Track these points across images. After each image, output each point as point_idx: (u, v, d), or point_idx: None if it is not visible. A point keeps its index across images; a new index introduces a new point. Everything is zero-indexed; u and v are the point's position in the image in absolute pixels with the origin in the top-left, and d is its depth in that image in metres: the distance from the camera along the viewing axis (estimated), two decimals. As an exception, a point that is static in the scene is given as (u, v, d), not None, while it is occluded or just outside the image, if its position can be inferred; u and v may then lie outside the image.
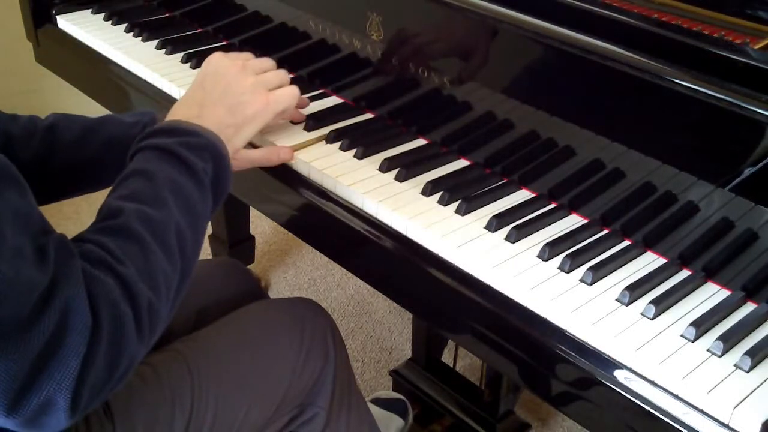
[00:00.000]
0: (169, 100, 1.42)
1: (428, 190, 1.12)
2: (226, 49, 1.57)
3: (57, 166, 1.10)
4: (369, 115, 1.33)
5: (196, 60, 1.49)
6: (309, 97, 1.36)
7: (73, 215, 2.53)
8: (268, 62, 1.08)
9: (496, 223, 1.06)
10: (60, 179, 1.11)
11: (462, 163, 1.21)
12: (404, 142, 1.25)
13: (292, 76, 1.44)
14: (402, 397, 1.79)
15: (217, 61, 1.04)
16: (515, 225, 1.05)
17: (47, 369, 0.68)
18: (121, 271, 0.77)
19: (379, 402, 1.76)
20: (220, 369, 1.11)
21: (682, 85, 0.93)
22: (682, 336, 0.89)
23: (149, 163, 0.89)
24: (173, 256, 0.84)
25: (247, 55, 1.06)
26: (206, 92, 1.00)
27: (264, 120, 1.02)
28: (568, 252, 1.01)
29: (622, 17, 1.04)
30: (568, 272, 0.99)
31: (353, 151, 1.21)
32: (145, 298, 0.78)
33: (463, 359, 1.98)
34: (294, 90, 1.04)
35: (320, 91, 1.40)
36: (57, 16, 1.69)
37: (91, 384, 0.72)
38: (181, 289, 0.86)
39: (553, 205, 1.11)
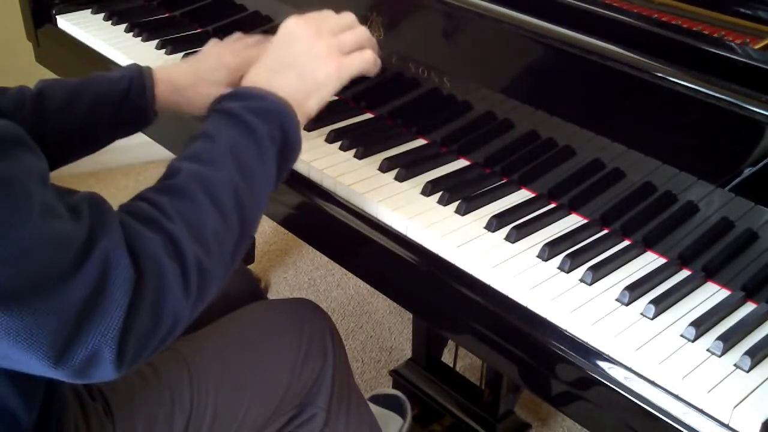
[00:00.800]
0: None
1: (428, 190, 1.12)
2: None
3: (50, 132, 1.09)
4: (369, 115, 1.33)
5: (196, 60, 1.48)
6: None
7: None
8: (346, 19, 1.03)
9: (496, 223, 1.06)
10: (56, 145, 1.10)
11: (462, 163, 1.21)
12: (404, 142, 1.25)
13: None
14: (400, 394, 1.79)
15: (291, 24, 1.00)
16: (515, 225, 1.05)
17: (91, 321, 0.69)
18: (170, 227, 0.77)
19: (377, 400, 1.76)
20: (220, 369, 1.11)
21: (682, 85, 0.93)
22: (681, 336, 0.89)
23: (213, 125, 0.89)
24: (228, 217, 0.83)
25: (325, 14, 1.03)
26: (278, 58, 0.99)
27: (336, 85, 0.99)
28: (568, 252, 1.01)
29: (622, 17, 1.04)
30: (568, 272, 0.99)
31: (353, 150, 1.21)
32: (194, 255, 0.78)
33: (463, 359, 1.98)
34: (366, 55, 1.01)
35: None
36: (57, 16, 1.69)
37: (137, 336, 0.72)
38: (239, 250, 0.86)
39: (552, 205, 1.11)
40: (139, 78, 1.13)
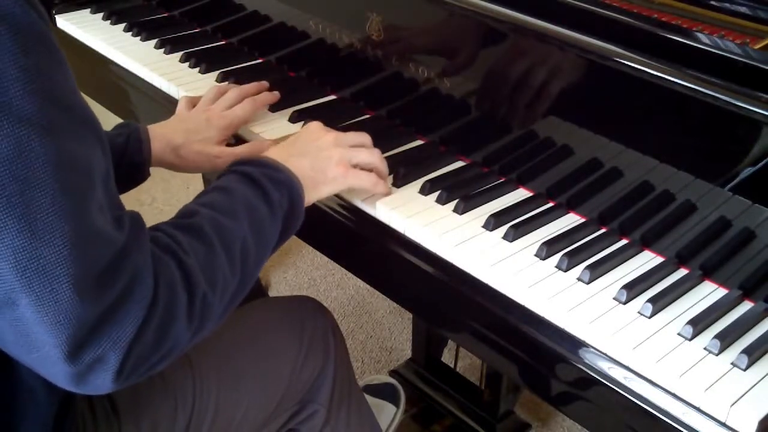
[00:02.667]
0: (167, 99, 1.43)
1: (426, 189, 1.12)
2: (225, 47, 1.58)
3: None
4: (368, 115, 1.33)
5: (194, 59, 1.49)
6: (309, 97, 1.37)
7: (147, 202, 2.61)
8: (362, 138, 1.13)
9: (494, 222, 1.06)
10: None
11: (460, 162, 1.21)
12: (403, 142, 1.25)
13: (290, 75, 1.45)
14: (392, 380, 1.79)
15: (314, 126, 1.12)
16: (513, 224, 1.05)
17: (109, 326, 0.72)
18: (185, 260, 0.82)
19: (369, 389, 1.77)
20: (221, 366, 1.12)
21: (682, 84, 0.93)
22: (679, 334, 0.89)
23: (232, 182, 0.97)
24: (235, 265, 0.89)
25: (344, 132, 1.13)
26: (297, 147, 1.08)
27: (340, 187, 1.08)
28: (565, 251, 1.01)
29: (621, 17, 1.04)
30: (565, 271, 0.99)
31: (352, 150, 1.21)
32: (201, 289, 0.82)
33: (463, 359, 1.98)
34: (371, 176, 1.10)
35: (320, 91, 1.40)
36: (56, 16, 1.69)
37: (138, 353, 0.75)
38: (236, 298, 0.91)
39: (550, 204, 1.11)
40: (136, 133, 1.17)
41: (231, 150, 1.22)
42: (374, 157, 1.12)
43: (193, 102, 1.30)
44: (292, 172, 1.01)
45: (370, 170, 1.11)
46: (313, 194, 1.05)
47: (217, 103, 1.28)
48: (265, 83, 1.35)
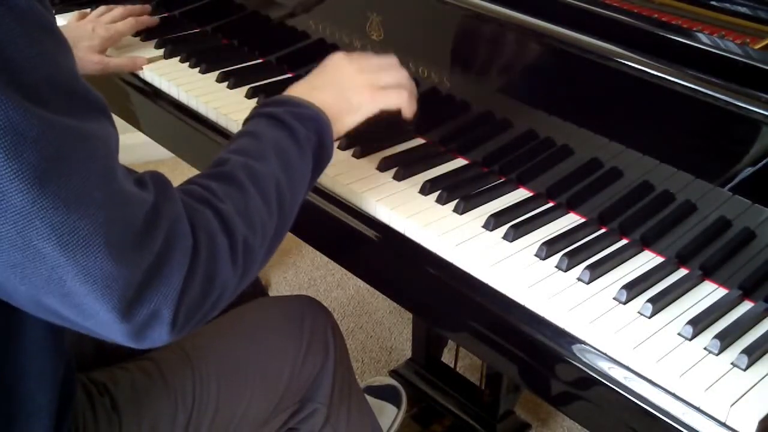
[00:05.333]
0: (167, 100, 1.43)
1: (426, 189, 1.12)
2: (226, 47, 1.58)
3: None
4: (368, 115, 1.33)
5: (194, 59, 1.49)
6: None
7: None
8: (388, 60, 1.14)
9: (494, 222, 1.06)
10: None
11: (460, 162, 1.21)
12: (402, 142, 1.25)
13: (290, 75, 1.45)
14: (393, 382, 1.79)
15: (337, 56, 1.12)
16: (513, 224, 1.05)
17: (155, 282, 0.74)
18: (221, 207, 0.83)
19: (371, 390, 1.77)
20: (221, 364, 1.12)
21: (682, 84, 0.93)
22: (679, 334, 0.89)
23: (259, 126, 0.98)
24: (271, 206, 0.90)
25: (370, 56, 1.14)
26: (320, 79, 1.09)
27: (368, 112, 1.08)
28: (565, 251, 1.01)
29: (621, 17, 1.04)
30: (565, 271, 0.99)
31: (351, 150, 1.21)
32: (241, 233, 0.84)
33: (463, 359, 1.98)
34: (401, 94, 1.10)
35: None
36: (56, 16, 1.69)
37: (188, 303, 0.77)
38: (277, 239, 0.92)
39: (550, 204, 1.11)
40: None
41: (109, 59, 1.46)
42: (400, 75, 1.12)
43: (84, 15, 1.53)
44: (317, 105, 1.01)
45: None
46: (342, 123, 1.05)
47: (103, 17, 1.50)
48: (147, 7, 1.59)
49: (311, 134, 0.99)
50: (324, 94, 1.04)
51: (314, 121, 1.00)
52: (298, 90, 1.06)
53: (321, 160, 1.01)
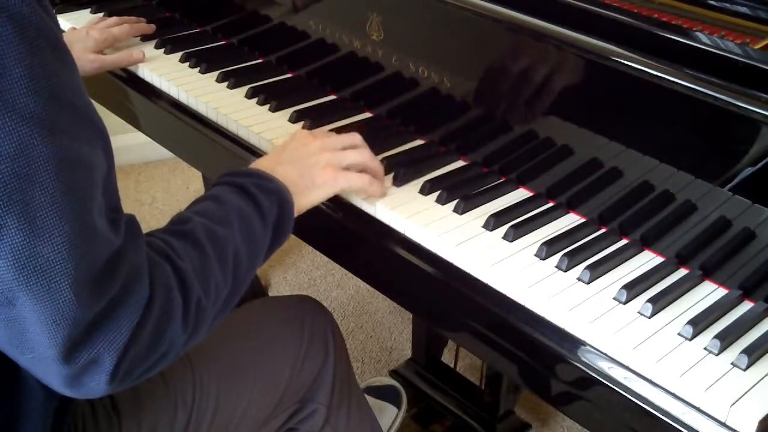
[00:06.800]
0: (167, 100, 1.43)
1: (426, 189, 1.12)
2: (225, 47, 1.58)
3: None
4: (368, 115, 1.33)
5: (194, 59, 1.49)
6: (309, 97, 1.37)
7: (147, 202, 2.58)
8: (352, 139, 1.14)
9: (494, 222, 1.06)
10: None
11: (460, 162, 1.21)
12: (402, 142, 1.25)
13: (290, 75, 1.45)
14: (394, 383, 1.79)
15: (301, 133, 1.13)
16: (513, 224, 1.05)
17: (104, 326, 0.73)
18: (179, 264, 0.83)
19: (371, 391, 1.77)
20: (221, 364, 1.12)
21: (682, 85, 0.93)
22: (679, 334, 0.89)
23: (223, 193, 0.99)
24: (227, 271, 0.90)
25: (334, 134, 1.15)
26: (284, 155, 1.09)
27: (331, 191, 1.09)
28: (565, 251, 1.01)
29: (621, 17, 1.04)
30: (565, 271, 0.99)
31: (352, 150, 1.21)
32: (196, 293, 0.84)
33: (463, 359, 1.98)
34: (363, 177, 1.10)
35: (320, 90, 1.40)
36: (56, 16, 1.69)
37: (133, 355, 0.76)
38: (228, 304, 0.93)
39: (550, 204, 1.11)
40: None
41: (104, 56, 1.49)
42: (364, 156, 1.12)
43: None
44: (280, 180, 1.02)
45: (364, 171, 1.11)
46: (303, 200, 1.06)
47: (99, 23, 1.55)
48: (143, 19, 1.61)
49: (273, 207, 0.99)
50: (288, 170, 1.05)
51: (278, 195, 1.01)
52: (263, 164, 1.07)
53: (280, 233, 1.01)
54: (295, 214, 1.03)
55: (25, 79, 0.67)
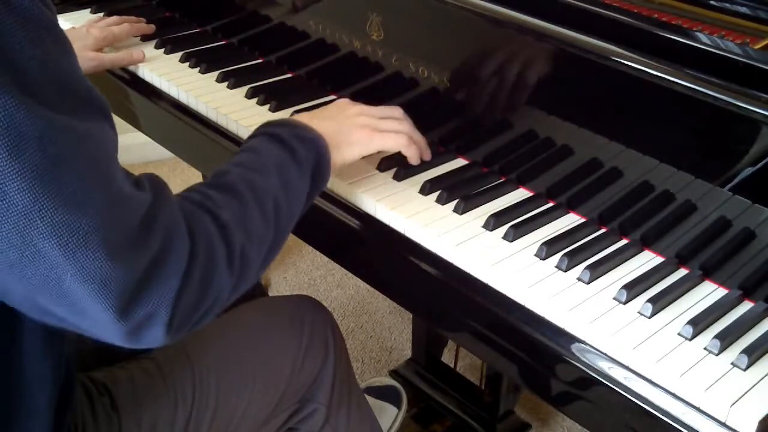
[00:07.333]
0: (167, 100, 1.43)
1: (426, 189, 1.12)
2: (225, 47, 1.58)
3: None
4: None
5: (194, 59, 1.49)
6: (309, 97, 1.37)
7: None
8: (390, 111, 1.16)
9: (494, 222, 1.06)
10: None
11: (460, 162, 1.21)
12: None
13: (290, 75, 1.45)
14: (394, 383, 1.79)
15: (341, 101, 1.17)
16: (513, 224, 1.05)
17: (153, 283, 0.75)
18: (220, 214, 0.85)
19: (371, 391, 1.77)
20: (221, 364, 1.12)
21: (682, 84, 0.93)
22: (679, 334, 0.89)
23: (260, 143, 1.01)
24: (268, 219, 0.92)
25: (373, 107, 1.16)
26: (322, 113, 1.13)
27: (365, 150, 1.11)
28: (565, 251, 1.01)
29: (621, 17, 1.04)
30: (565, 271, 0.99)
31: (352, 150, 1.21)
32: (239, 241, 0.85)
33: (463, 359, 1.98)
34: (399, 138, 1.13)
35: (319, 90, 1.40)
36: (54, 7, 1.69)
37: (185, 306, 0.78)
38: (272, 252, 0.94)
39: (550, 204, 1.11)
40: None
41: (104, 55, 1.49)
42: (403, 126, 1.15)
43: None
44: (316, 130, 1.04)
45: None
46: (339, 154, 1.07)
47: (100, 21, 1.56)
48: (142, 19, 1.61)
49: (310, 155, 1.01)
50: (325, 123, 1.07)
51: (314, 143, 1.02)
52: (301, 117, 1.09)
53: (318, 181, 1.03)
54: (332, 168, 1.05)
55: (35, 69, 0.69)
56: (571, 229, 1.06)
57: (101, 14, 1.70)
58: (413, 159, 1.15)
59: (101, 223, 0.71)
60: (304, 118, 1.08)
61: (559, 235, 1.04)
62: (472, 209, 1.10)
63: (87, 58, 1.46)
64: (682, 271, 1.00)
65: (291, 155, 0.99)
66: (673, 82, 0.94)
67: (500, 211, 1.08)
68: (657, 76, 0.95)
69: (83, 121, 0.73)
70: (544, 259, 1.01)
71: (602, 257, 1.00)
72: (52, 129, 0.69)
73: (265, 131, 1.03)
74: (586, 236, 1.05)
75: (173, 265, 0.76)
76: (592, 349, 0.90)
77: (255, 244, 0.88)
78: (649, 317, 0.92)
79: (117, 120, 1.61)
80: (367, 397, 1.54)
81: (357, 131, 1.10)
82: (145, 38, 1.59)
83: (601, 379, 0.88)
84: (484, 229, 1.06)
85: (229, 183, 0.91)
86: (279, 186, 0.95)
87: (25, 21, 0.69)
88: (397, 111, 1.16)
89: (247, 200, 0.90)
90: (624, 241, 1.04)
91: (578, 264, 0.99)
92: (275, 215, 0.93)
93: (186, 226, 0.79)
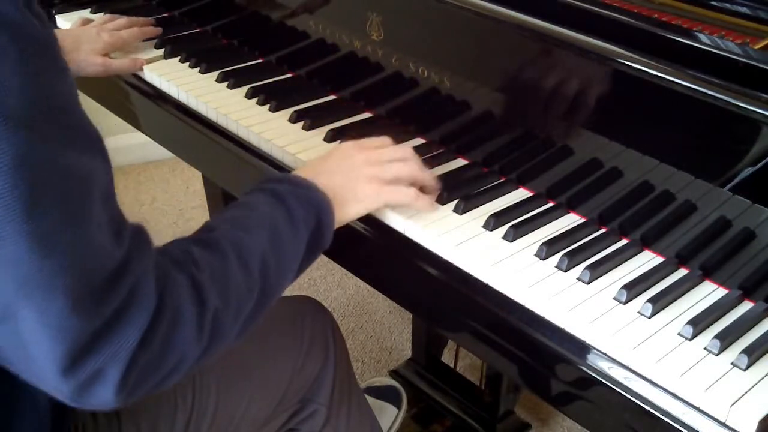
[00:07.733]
0: (167, 100, 1.43)
1: (426, 189, 1.12)
2: (226, 47, 1.58)
3: None
4: (367, 114, 1.33)
5: (194, 59, 1.49)
6: (309, 97, 1.37)
7: (148, 202, 2.58)
8: (399, 152, 1.10)
9: (494, 222, 1.06)
10: None
11: (460, 162, 1.21)
12: (402, 142, 1.25)
13: (290, 75, 1.45)
14: (394, 383, 1.79)
15: (346, 145, 1.10)
16: (513, 224, 1.05)
17: (107, 338, 0.70)
18: (196, 274, 0.80)
19: (371, 391, 1.77)
20: (222, 365, 1.11)
21: (682, 85, 0.93)
22: (679, 334, 0.89)
23: (257, 199, 0.96)
24: (253, 283, 0.87)
25: (380, 142, 1.11)
26: (327, 165, 1.06)
27: (371, 207, 1.06)
28: (565, 251, 1.01)
29: (621, 17, 1.04)
30: (565, 271, 0.99)
31: (352, 150, 1.21)
32: (213, 305, 0.80)
33: (463, 359, 1.98)
34: (408, 191, 1.06)
35: (320, 90, 1.40)
36: (56, 16, 1.69)
37: (140, 367, 0.73)
38: (254, 317, 0.89)
39: (550, 204, 1.11)
40: None
41: (111, 61, 1.47)
42: (412, 169, 1.08)
43: (87, 21, 1.56)
44: (320, 189, 0.99)
45: (413, 184, 1.08)
46: (343, 213, 1.03)
47: (109, 24, 1.53)
48: (151, 20, 1.61)
49: (310, 216, 0.96)
50: (330, 179, 1.02)
51: (316, 204, 0.98)
52: (306, 172, 1.03)
53: (317, 245, 0.98)
54: (335, 226, 1.00)
55: (22, 89, 0.66)
56: (571, 229, 1.06)
57: (101, 14, 1.68)
58: (423, 209, 1.08)
59: (66, 267, 0.67)
60: (308, 172, 1.03)
61: (559, 235, 1.04)
62: (472, 209, 1.10)
63: (95, 63, 1.45)
64: (682, 271, 1.00)
65: (287, 215, 0.94)
66: (673, 82, 0.93)
67: (500, 211, 1.08)
68: (657, 76, 0.95)
69: (71, 151, 0.69)
70: (544, 259, 1.01)
71: (602, 257, 1.00)
72: (29, 158, 0.65)
73: (265, 187, 0.98)
74: (586, 236, 1.05)
75: (133, 323, 0.72)
76: (592, 349, 0.90)
77: (232, 308, 0.84)
78: (649, 317, 0.92)
79: (117, 120, 1.63)
80: (367, 397, 1.54)
81: (364, 186, 1.04)
82: (145, 38, 1.58)
83: (601, 379, 0.88)
84: (484, 229, 1.06)
85: (214, 240, 0.87)
86: (269, 247, 0.90)
87: (14, 36, 0.65)
88: (402, 151, 1.10)
89: (230, 261, 0.85)
90: (624, 241, 1.04)
91: (578, 264, 0.99)
92: (261, 277, 0.88)
93: (156, 284, 0.75)
